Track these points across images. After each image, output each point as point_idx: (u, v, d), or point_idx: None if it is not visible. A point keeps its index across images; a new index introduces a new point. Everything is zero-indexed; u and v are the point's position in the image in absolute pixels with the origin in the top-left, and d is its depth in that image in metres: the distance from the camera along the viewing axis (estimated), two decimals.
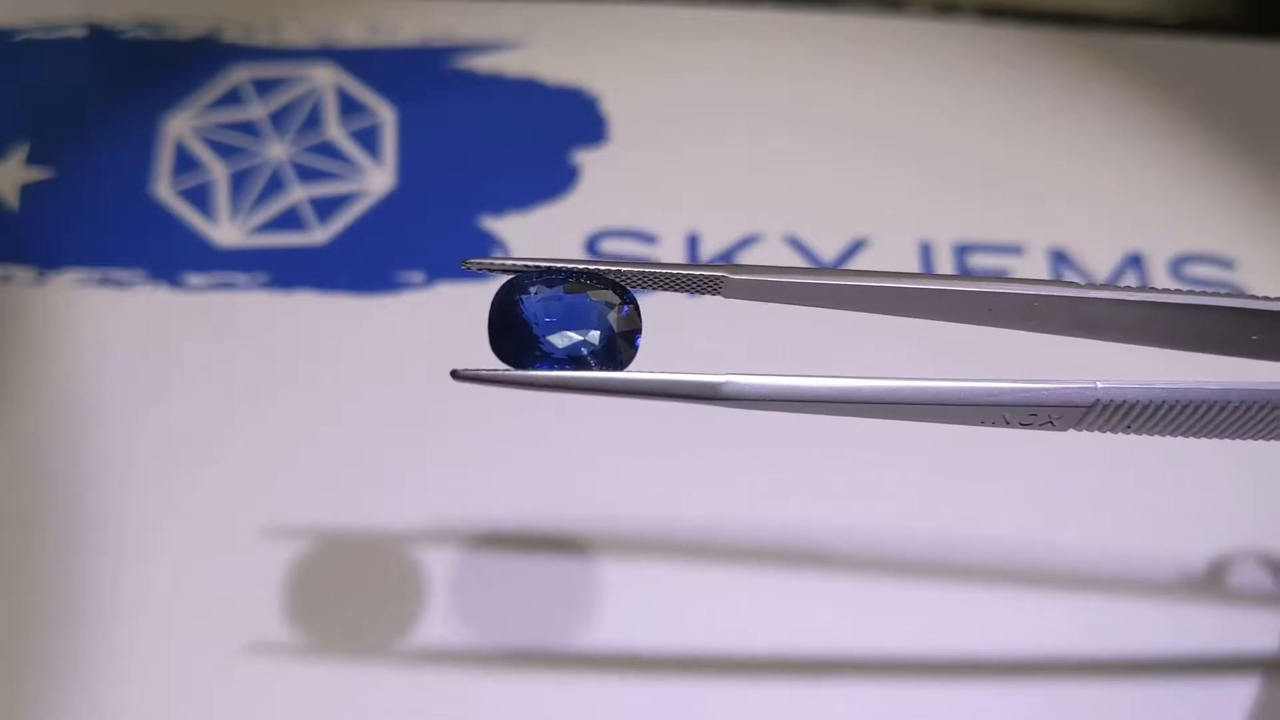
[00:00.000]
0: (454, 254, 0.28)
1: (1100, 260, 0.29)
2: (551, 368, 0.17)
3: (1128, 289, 0.18)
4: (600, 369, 0.17)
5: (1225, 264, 0.30)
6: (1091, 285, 0.18)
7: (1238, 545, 0.26)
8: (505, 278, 0.17)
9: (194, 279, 0.28)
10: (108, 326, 0.27)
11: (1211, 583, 0.25)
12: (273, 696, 0.23)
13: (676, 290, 0.18)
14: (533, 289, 0.17)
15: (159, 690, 0.23)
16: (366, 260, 0.28)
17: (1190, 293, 0.18)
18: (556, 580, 0.25)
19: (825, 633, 0.25)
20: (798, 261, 0.29)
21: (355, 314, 0.28)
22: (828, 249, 0.29)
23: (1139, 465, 0.27)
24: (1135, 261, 0.29)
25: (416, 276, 0.28)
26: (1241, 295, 0.18)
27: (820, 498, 0.26)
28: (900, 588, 0.25)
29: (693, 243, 0.29)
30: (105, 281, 0.27)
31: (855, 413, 0.17)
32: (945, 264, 0.29)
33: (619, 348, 0.17)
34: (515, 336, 0.17)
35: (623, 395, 0.16)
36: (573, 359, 0.17)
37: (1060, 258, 0.29)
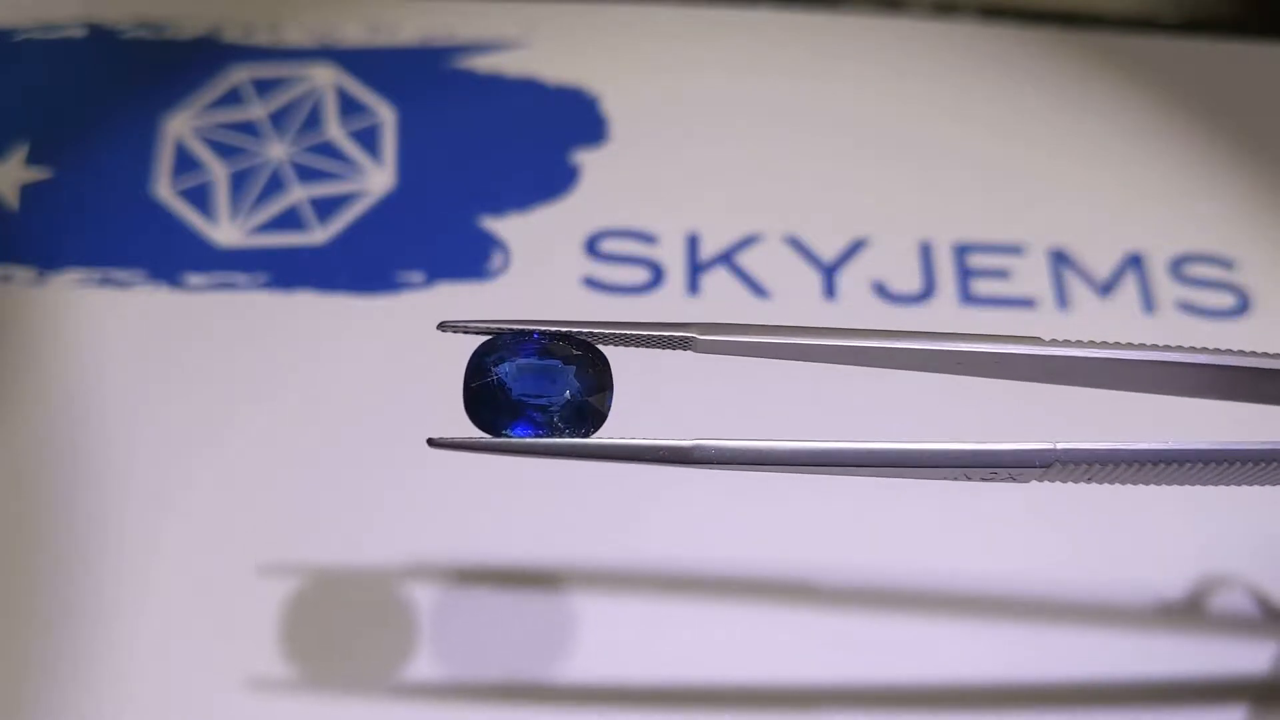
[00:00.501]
0: (454, 254, 0.28)
1: (1100, 260, 0.29)
2: (526, 431, 0.17)
3: (1090, 345, 0.18)
4: (572, 432, 0.17)
5: (1225, 264, 0.30)
6: (1056, 342, 0.18)
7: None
8: (481, 339, 0.18)
9: (194, 279, 0.28)
10: (108, 326, 0.27)
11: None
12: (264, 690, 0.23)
13: (646, 347, 0.18)
14: (505, 353, 0.17)
15: (157, 691, 0.23)
16: (366, 260, 0.28)
17: (1153, 348, 0.18)
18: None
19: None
20: (798, 262, 0.29)
21: (355, 314, 0.28)
22: (828, 249, 0.29)
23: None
24: (1135, 261, 0.29)
25: (416, 276, 0.28)
26: (1203, 351, 0.18)
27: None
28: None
29: (693, 243, 0.29)
30: (105, 281, 0.27)
31: (824, 472, 0.17)
32: (945, 264, 0.29)
33: (590, 409, 0.17)
34: (489, 402, 0.17)
35: (594, 460, 0.17)
36: (545, 423, 0.17)
37: (1060, 258, 0.29)
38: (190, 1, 0.32)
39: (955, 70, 0.32)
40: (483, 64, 0.31)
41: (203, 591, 0.24)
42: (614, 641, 0.24)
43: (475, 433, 0.17)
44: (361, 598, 0.24)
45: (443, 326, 0.18)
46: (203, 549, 0.25)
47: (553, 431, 0.17)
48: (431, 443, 0.17)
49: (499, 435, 0.17)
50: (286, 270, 0.28)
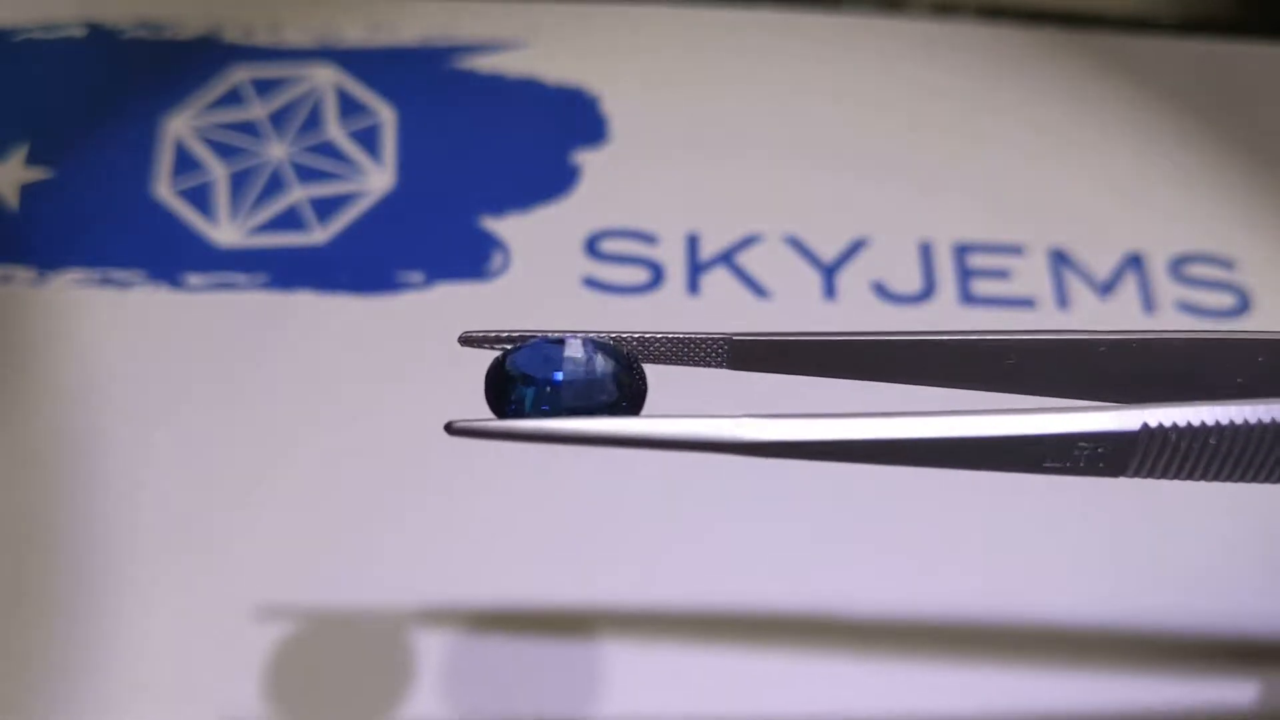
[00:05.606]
0: (454, 254, 0.28)
1: (1100, 260, 0.29)
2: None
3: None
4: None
5: (1225, 264, 0.30)
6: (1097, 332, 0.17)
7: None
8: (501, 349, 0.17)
9: (194, 279, 0.28)
10: (108, 326, 0.27)
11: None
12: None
13: (680, 364, 0.17)
14: (531, 348, 0.16)
15: (154, 689, 0.23)
16: (366, 260, 0.28)
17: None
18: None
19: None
20: (798, 262, 0.29)
21: (355, 314, 0.28)
22: (828, 249, 0.29)
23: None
24: (1135, 261, 0.29)
25: (416, 276, 0.28)
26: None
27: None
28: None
29: (693, 243, 0.29)
30: (105, 281, 0.27)
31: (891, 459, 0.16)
32: (945, 264, 0.29)
33: (628, 402, 0.16)
34: (512, 389, 0.16)
35: (627, 446, 0.15)
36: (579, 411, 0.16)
37: (1060, 258, 0.29)
38: (190, 1, 0.32)
39: (955, 70, 0.32)
40: (483, 64, 0.31)
41: (200, 589, 0.24)
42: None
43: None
44: (359, 595, 0.24)
45: (465, 340, 0.17)
46: (201, 550, 0.25)
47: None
48: (450, 429, 0.15)
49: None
50: (286, 270, 0.28)
